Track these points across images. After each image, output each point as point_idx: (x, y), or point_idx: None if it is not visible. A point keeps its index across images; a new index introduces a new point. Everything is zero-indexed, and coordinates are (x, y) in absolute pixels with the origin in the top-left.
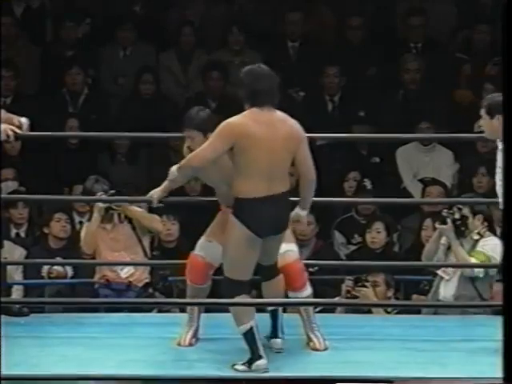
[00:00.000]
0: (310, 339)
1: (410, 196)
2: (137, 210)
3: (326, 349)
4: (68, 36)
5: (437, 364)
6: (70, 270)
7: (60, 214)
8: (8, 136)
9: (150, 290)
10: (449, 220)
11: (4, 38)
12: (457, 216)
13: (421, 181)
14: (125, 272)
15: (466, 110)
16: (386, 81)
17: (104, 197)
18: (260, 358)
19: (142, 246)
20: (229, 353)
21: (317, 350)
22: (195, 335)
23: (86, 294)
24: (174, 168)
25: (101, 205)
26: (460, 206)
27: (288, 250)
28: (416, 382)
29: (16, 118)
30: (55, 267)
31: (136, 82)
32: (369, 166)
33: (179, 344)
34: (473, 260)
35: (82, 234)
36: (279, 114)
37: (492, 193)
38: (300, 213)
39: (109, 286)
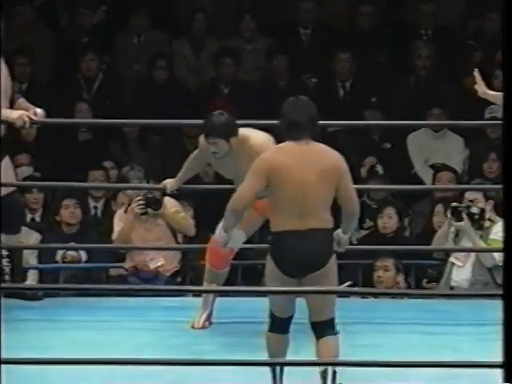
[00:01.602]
0: None
1: (420, 181)
2: (172, 216)
3: (337, 333)
4: (83, 23)
5: (448, 348)
6: (84, 255)
7: (68, 200)
8: (24, 122)
9: (179, 279)
10: (464, 215)
11: (20, 25)
12: (474, 210)
13: (431, 166)
14: (153, 263)
15: (477, 96)
16: (397, 67)
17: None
18: None
19: (174, 238)
20: (241, 336)
21: None
22: (209, 318)
23: (101, 278)
24: (220, 225)
25: (137, 210)
26: (471, 199)
27: None
28: None
29: (32, 109)
30: (69, 252)
31: (150, 68)
32: (380, 151)
33: (193, 326)
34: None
35: (116, 232)
36: (317, 146)
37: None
38: (341, 235)
39: (137, 275)
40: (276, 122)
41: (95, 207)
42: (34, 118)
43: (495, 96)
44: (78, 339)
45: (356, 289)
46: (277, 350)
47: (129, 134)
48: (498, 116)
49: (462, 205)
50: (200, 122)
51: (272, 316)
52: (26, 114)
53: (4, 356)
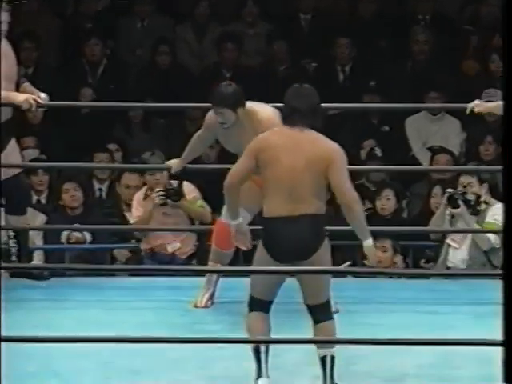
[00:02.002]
0: None
1: (418, 164)
2: (191, 207)
3: (337, 311)
4: (88, 9)
5: (445, 326)
6: (88, 236)
7: (68, 184)
8: (31, 105)
9: (194, 262)
10: (460, 202)
11: (27, 10)
12: (470, 197)
13: (429, 149)
14: (172, 247)
15: (473, 80)
16: (395, 52)
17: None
18: (260, 377)
19: (192, 223)
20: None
21: None
22: (211, 298)
23: (105, 258)
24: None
25: (157, 200)
26: (466, 183)
27: None
28: None
29: (36, 93)
30: (74, 233)
31: (153, 53)
32: (379, 134)
33: (196, 306)
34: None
35: (134, 217)
36: (311, 134)
37: (498, 161)
38: (364, 244)
39: (154, 257)
40: (276, 104)
41: (100, 189)
42: (40, 101)
43: (496, 107)
44: (83, 318)
45: (355, 268)
46: (259, 333)
47: (133, 117)
48: (494, 100)
49: (458, 191)
50: (202, 105)
51: (251, 299)
52: (32, 97)
53: (9, 334)
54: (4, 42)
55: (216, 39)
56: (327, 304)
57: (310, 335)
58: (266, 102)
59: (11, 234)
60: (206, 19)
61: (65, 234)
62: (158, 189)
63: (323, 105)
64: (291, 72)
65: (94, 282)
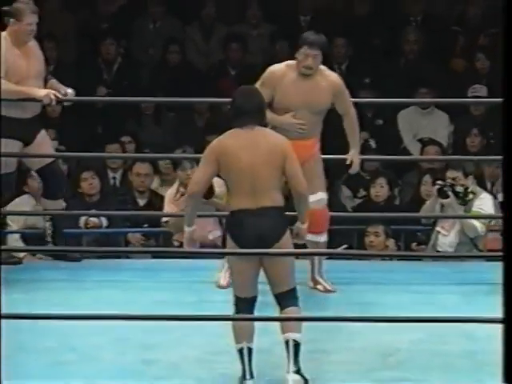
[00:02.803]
0: (318, 283)
1: (409, 154)
2: (220, 203)
3: (334, 291)
4: (104, 11)
5: (435, 305)
6: (104, 221)
7: (86, 173)
8: (51, 100)
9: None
10: (450, 193)
11: (48, 12)
12: (458, 189)
13: (419, 141)
14: (212, 234)
15: (461, 76)
16: (388, 51)
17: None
18: (244, 379)
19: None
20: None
21: (328, 291)
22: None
23: (119, 242)
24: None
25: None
26: (453, 177)
27: (320, 198)
28: None
29: (63, 88)
30: (91, 218)
31: (164, 52)
32: (373, 127)
33: (219, 286)
34: (474, 222)
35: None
36: (262, 130)
37: (484, 152)
38: (300, 226)
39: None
40: None
41: (114, 177)
42: (59, 95)
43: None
44: (99, 297)
45: (351, 251)
46: (243, 331)
47: (145, 110)
48: (480, 95)
49: (447, 183)
50: (209, 100)
51: (236, 299)
52: (52, 92)
53: (33, 311)
54: (33, 41)
55: (222, 39)
56: (293, 291)
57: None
58: None
59: (48, 217)
60: (213, 21)
61: (83, 219)
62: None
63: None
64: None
65: (110, 263)
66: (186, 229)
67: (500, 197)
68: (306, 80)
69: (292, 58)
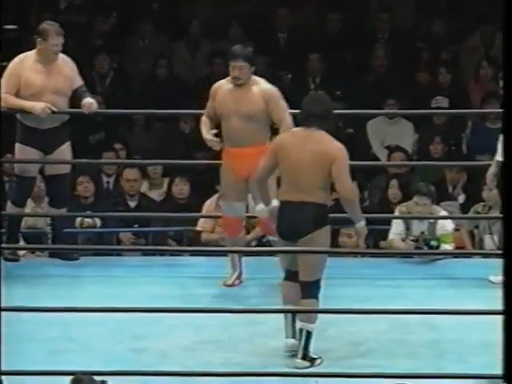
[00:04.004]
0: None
1: (377, 160)
2: None
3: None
4: (98, 29)
5: (400, 297)
6: (98, 221)
7: (81, 177)
8: (46, 113)
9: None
10: (425, 247)
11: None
12: (432, 243)
13: (387, 148)
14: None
15: (425, 89)
16: (359, 65)
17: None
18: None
19: None
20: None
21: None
22: (239, 277)
23: (112, 241)
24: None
25: None
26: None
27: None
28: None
29: (88, 99)
30: (86, 219)
31: (153, 67)
32: (344, 135)
33: (225, 284)
34: (446, 246)
35: (201, 226)
36: (321, 134)
37: (445, 158)
38: (356, 226)
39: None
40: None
41: (107, 182)
42: (53, 108)
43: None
44: (96, 292)
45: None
46: (288, 293)
47: (136, 121)
48: (442, 106)
49: (421, 239)
50: (196, 111)
51: (284, 270)
52: (48, 105)
53: (34, 305)
54: (64, 61)
55: (207, 55)
56: (314, 283)
57: None
58: None
59: (49, 221)
60: (199, 38)
61: (78, 220)
62: None
63: (295, 111)
64: (270, 82)
65: (104, 260)
66: (264, 207)
67: (461, 198)
68: (238, 89)
69: (270, 71)
